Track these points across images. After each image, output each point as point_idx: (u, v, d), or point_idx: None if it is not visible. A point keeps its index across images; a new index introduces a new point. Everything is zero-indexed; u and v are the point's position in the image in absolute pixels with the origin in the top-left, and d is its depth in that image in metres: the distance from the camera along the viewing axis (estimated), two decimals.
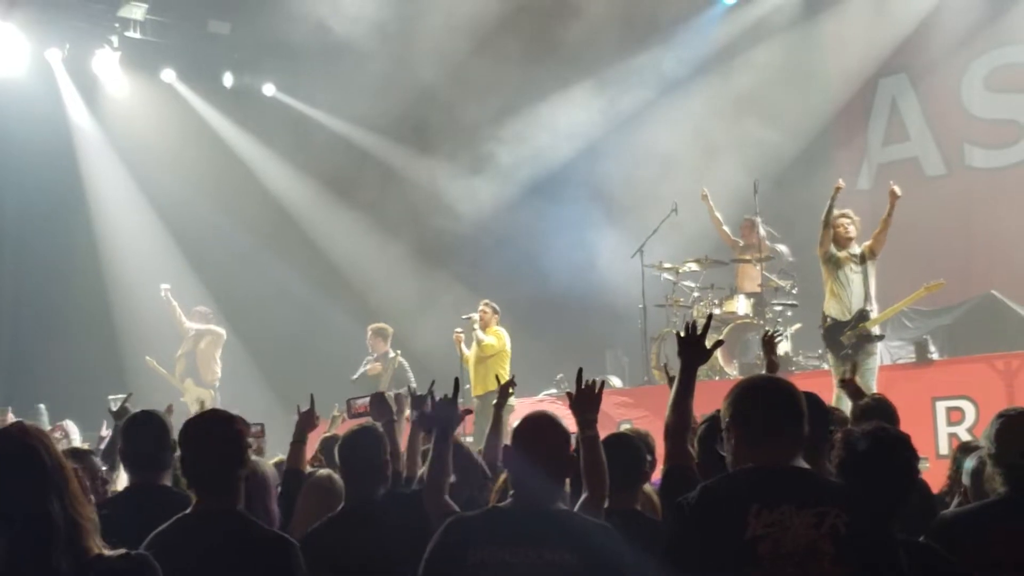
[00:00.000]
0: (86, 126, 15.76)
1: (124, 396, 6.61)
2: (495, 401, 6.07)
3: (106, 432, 7.01)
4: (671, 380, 4.01)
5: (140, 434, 4.57)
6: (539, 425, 3.66)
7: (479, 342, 12.37)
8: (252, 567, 3.54)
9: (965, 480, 4.44)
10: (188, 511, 3.73)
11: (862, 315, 10.04)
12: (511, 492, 3.61)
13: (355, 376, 13.20)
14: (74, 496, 2.81)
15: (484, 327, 12.49)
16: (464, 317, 12.69)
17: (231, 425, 3.80)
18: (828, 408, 4.46)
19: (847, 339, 9.97)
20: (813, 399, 3.77)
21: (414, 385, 10.94)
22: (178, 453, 3.90)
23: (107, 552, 2.80)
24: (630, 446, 4.54)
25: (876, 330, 10.14)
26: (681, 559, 3.09)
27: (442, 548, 3.50)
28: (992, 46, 13.99)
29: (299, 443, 5.54)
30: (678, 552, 3.11)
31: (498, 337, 12.43)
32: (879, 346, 10.16)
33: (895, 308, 10.43)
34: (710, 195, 13.05)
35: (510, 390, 6.26)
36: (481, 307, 12.62)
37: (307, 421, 5.64)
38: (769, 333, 6.02)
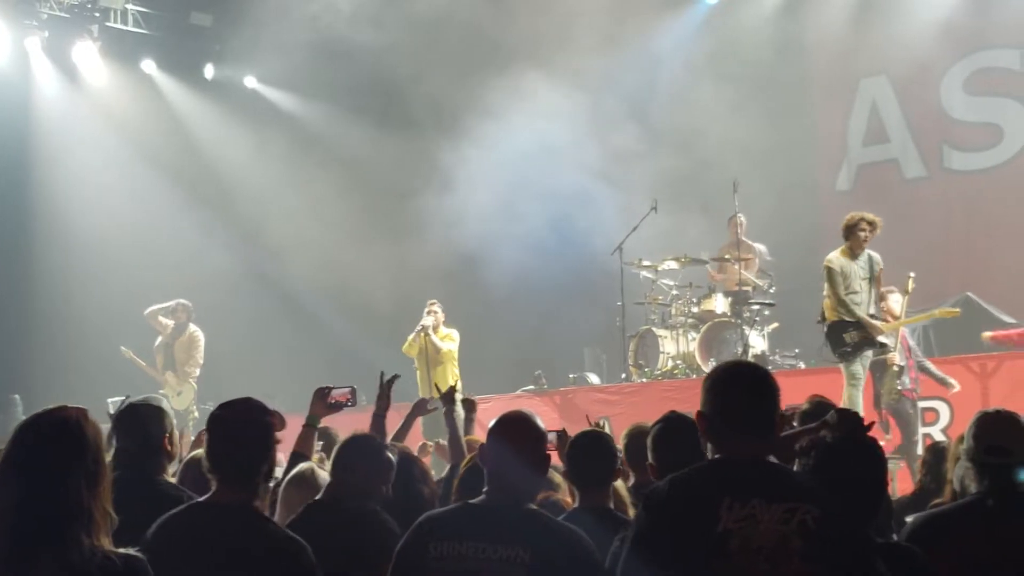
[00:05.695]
0: (62, 115, 15.61)
1: (123, 398, 6.46)
2: (443, 409, 6.27)
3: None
4: None
5: (137, 426, 4.39)
6: (516, 422, 3.65)
7: (438, 350, 12.36)
8: (262, 565, 3.47)
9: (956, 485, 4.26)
10: (202, 499, 3.66)
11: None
12: (484, 488, 3.60)
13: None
14: (103, 493, 2.86)
15: (436, 327, 12.52)
16: (419, 327, 12.48)
17: (263, 416, 3.69)
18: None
19: (850, 337, 9.65)
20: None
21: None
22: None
23: (111, 549, 2.83)
24: (603, 444, 4.55)
25: (883, 338, 9.62)
26: (651, 549, 3.04)
27: (408, 543, 3.57)
28: (972, 49, 14.07)
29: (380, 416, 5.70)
30: (648, 542, 3.07)
31: (453, 340, 12.53)
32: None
33: (903, 321, 9.96)
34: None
35: (455, 395, 6.40)
36: (432, 308, 12.57)
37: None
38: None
